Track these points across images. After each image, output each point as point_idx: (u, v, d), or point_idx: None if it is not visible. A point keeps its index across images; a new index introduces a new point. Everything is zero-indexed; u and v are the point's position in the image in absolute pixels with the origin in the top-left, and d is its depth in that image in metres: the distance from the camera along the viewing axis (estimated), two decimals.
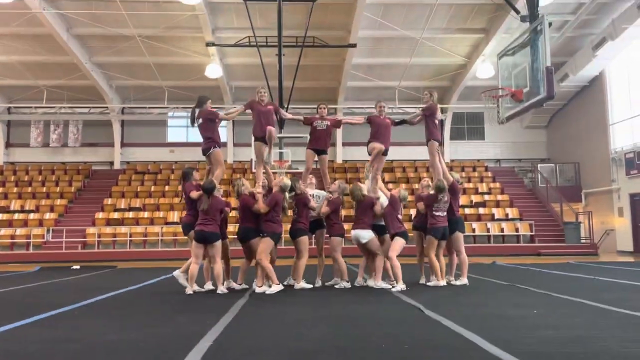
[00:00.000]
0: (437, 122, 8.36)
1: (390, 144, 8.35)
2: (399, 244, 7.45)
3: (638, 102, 19.17)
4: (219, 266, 7.26)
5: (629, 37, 18.10)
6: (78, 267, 13.78)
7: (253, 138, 8.32)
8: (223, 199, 7.53)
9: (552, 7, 16.86)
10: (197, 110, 8.05)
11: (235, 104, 23.66)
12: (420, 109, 8.39)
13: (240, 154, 23.31)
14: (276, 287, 7.16)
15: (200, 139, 8.10)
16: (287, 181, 7.57)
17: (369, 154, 8.29)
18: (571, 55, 20.66)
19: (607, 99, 20.76)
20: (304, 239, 7.67)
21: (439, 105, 8.47)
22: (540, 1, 10.84)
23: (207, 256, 7.44)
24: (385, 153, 8.26)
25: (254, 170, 17.71)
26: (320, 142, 8.40)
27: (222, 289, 7.25)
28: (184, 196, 7.72)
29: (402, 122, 8.70)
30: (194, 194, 7.36)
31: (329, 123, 8.39)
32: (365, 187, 8.03)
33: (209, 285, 7.53)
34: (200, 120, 8.00)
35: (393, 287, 7.31)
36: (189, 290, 7.15)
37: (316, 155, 8.46)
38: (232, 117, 8.55)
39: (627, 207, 19.56)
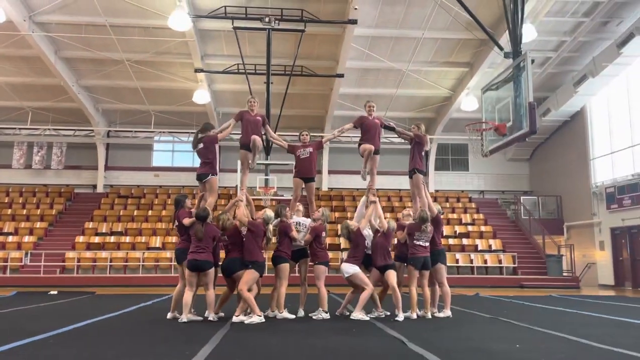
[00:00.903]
0: (423, 153, 8.49)
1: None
2: (392, 274, 7.68)
3: (618, 138, 19.60)
4: (211, 293, 7.18)
5: (608, 74, 18.66)
6: (56, 292, 13.46)
7: (239, 146, 8.42)
8: (216, 227, 7.44)
9: (534, 44, 17.36)
10: (199, 135, 8.02)
11: None
12: (413, 132, 8.48)
13: (224, 180, 23.22)
14: (257, 318, 7.03)
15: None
16: (270, 213, 7.59)
17: (361, 156, 8.49)
18: (553, 90, 21.16)
19: (588, 134, 21.20)
20: (285, 267, 7.62)
21: (428, 136, 8.62)
22: (523, 38, 11.12)
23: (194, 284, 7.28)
24: (376, 152, 8.45)
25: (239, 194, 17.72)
26: (305, 171, 8.44)
27: (212, 316, 7.15)
28: (176, 223, 7.63)
29: (391, 128, 8.83)
30: (187, 221, 7.29)
31: (311, 150, 8.45)
32: (352, 223, 8.00)
33: (184, 318, 7.24)
34: (202, 145, 7.98)
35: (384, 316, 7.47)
36: (183, 318, 7.01)
37: (304, 184, 8.48)
38: (226, 133, 8.50)
39: (608, 241, 19.78)
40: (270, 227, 7.53)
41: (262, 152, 8.87)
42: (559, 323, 7.34)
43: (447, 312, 7.95)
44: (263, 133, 8.64)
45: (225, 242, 7.47)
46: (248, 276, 7.19)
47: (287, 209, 7.98)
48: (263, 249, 7.47)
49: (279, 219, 7.79)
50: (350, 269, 7.62)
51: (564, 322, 7.51)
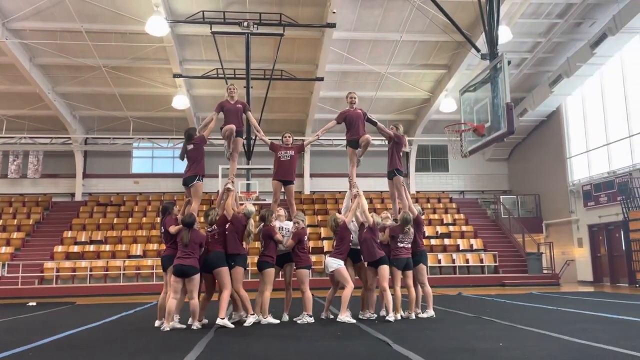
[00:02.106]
0: (401, 154, 8.54)
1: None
2: (385, 272, 7.55)
3: (594, 136, 19.98)
4: (195, 302, 7.14)
5: (583, 74, 19.03)
6: (34, 303, 13.19)
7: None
8: (202, 233, 7.41)
9: (510, 45, 17.63)
10: (188, 143, 7.96)
11: None
12: (392, 131, 8.50)
13: (207, 185, 23.04)
14: (252, 318, 7.26)
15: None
16: (251, 207, 7.64)
17: (360, 147, 8.40)
18: (529, 91, 21.49)
19: (564, 133, 21.57)
20: (270, 271, 7.60)
21: (406, 137, 8.65)
22: (499, 40, 11.28)
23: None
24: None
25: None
26: (284, 173, 8.38)
27: (196, 325, 7.08)
28: (162, 230, 7.55)
29: (373, 122, 8.61)
30: (173, 229, 7.26)
31: (292, 153, 8.40)
32: (339, 216, 7.96)
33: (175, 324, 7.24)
34: (191, 147, 7.92)
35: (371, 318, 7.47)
36: (165, 327, 6.94)
37: (283, 186, 8.44)
38: (211, 128, 8.31)
39: (586, 238, 20.14)
40: (252, 221, 7.56)
41: (241, 142, 8.66)
42: (540, 320, 7.44)
43: (430, 312, 8.00)
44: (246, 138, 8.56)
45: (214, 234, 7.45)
46: (236, 275, 7.30)
47: (273, 214, 7.96)
48: (244, 242, 7.56)
49: (262, 224, 7.77)
50: (335, 263, 7.61)
51: (545, 319, 7.62)
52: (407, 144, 8.59)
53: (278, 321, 7.60)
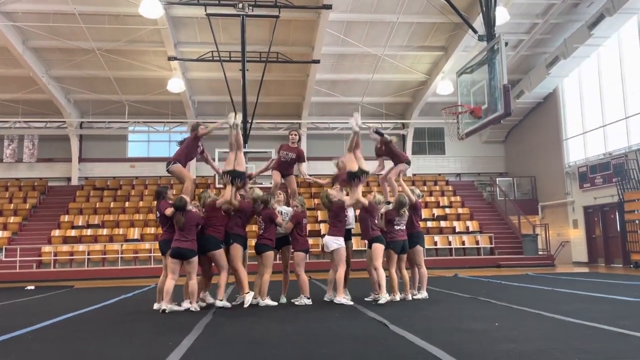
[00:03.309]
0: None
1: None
2: (379, 250, 7.52)
3: (590, 118, 19.99)
4: (194, 282, 7.19)
5: (580, 55, 18.96)
6: (33, 287, 13.23)
7: None
8: (197, 212, 7.42)
9: (507, 26, 17.47)
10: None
11: (198, 118, 23.47)
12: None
13: (203, 169, 23.00)
14: (249, 296, 7.34)
15: (163, 154, 8.06)
16: (259, 192, 7.71)
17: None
18: (526, 73, 21.41)
19: (561, 115, 21.56)
20: (270, 254, 7.64)
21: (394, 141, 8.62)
22: (496, 21, 11.19)
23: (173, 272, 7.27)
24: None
25: (217, 185, 17.59)
26: (283, 170, 8.46)
27: (195, 307, 7.12)
28: (158, 215, 7.57)
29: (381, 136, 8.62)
30: (168, 212, 7.24)
31: (293, 157, 8.40)
32: (334, 192, 7.93)
33: (186, 304, 7.29)
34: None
35: (377, 300, 7.45)
36: (163, 306, 6.99)
37: (283, 177, 8.50)
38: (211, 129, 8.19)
39: (582, 219, 20.26)
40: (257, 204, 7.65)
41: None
42: (535, 300, 7.51)
43: (423, 293, 8.08)
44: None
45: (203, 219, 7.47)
46: (235, 252, 7.38)
47: (275, 198, 7.98)
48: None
49: (262, 206, 7.77)
50: (335, 243, 7.60)
51: (541, 300, 7.69)
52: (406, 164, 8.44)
53: (276, 303, 7.65)
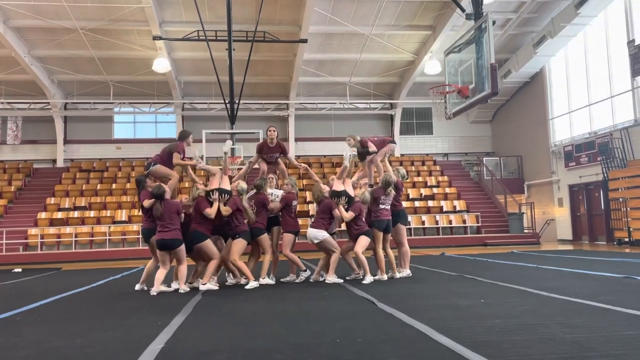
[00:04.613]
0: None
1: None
2: (364, 241, 7.60)
3: (576, 97, 20.11)
4: (184, 267, 7.18)
5: (567, 35, 18.95)
6: (20, 269, 13.16)
7: None
8: (176, 200, 7.36)
9: (495, 5, 17.46)
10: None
11: (184, 98, 23.27)
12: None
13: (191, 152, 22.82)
14: (253, 283, 7.29)
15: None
16: (244, 185, 7.61)
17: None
18: (513, 52, 21.42)
19: (547, 94, 21.67)
20: (265, 237, 7.69)
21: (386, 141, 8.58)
22: (484, 0, 11.17)
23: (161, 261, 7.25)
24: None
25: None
26: (270, 164, 8.55)
27: (184, 288, 7.12)
28: (140, 205, 7.50)
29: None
30: (146, 203, 7.13)
31: (277, 156, 8.45)
32: (325, 188, 8.01)
33: (175, 285, 7.35)
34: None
35: (362, 278, 7.63)
36: (153, 292, 6.96)
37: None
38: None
39: (567, 198, 20.53)
40: (245, 197, 7.56)
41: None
42: (521, 277, 7.65)
43: (406, 271, 8.18)
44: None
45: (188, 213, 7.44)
46: (237, 246, 7.35)
47: (267, 183, 7.98)
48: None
49: (253, 191, 7.82)
50: (320, 234, 7.67)
51: (526, 277, 7.82)
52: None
53: (273, 282, 7.77)
